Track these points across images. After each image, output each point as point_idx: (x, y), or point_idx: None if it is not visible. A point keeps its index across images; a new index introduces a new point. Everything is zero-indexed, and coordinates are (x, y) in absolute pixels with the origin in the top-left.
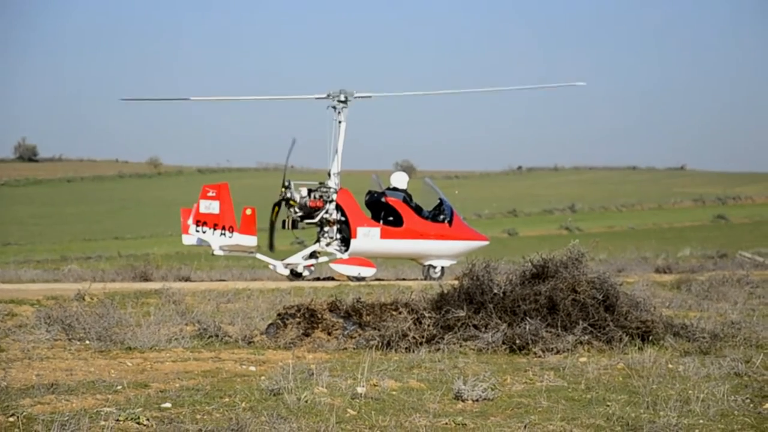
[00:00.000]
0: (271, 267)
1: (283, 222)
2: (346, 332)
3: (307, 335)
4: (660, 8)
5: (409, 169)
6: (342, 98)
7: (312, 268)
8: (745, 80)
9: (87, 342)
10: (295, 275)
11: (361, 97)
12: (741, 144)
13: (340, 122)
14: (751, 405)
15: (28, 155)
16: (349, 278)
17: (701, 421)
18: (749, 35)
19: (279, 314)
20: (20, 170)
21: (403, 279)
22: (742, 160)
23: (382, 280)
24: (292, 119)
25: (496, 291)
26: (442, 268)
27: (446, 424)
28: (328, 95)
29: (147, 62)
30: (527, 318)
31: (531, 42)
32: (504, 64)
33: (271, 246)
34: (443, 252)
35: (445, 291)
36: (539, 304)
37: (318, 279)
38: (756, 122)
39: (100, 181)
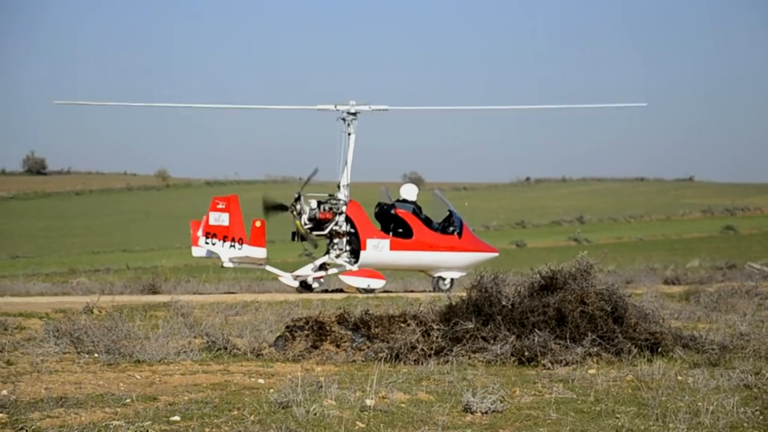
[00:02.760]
0: (280, 279)
1: (293, 234)
2: (354, 344)
3: (316, 347)
4: (666, 19)
5: (417, 181)
6: (352, 111)
7: (322, 280)
8: (753, 91)
9: (96, 355)
10: (305, 287)
11: (379, 109)
12: (749, 155)
13: (349, 134)
14: (761, 417)
15: (36, 168)
16: (359, 290)
17: None
18: (759, 45)
19: (287, 327)
20: (29, 183)
21: (412, 291)
22: (750, 170)
23: (391, 292)
24: (300, 132)
25: (504, 303)
26: (452, 279)
27: None
28: (338, 108)
29: (154, 73)
30: (536, 330)
31: (539, 52)
32: (514, 75)
33: (314, 245)
34: (453, 264)
35: (454, 303)
36: (548, 316)
37: (326, 291)
38: (764, 133)
39: (109, 193)
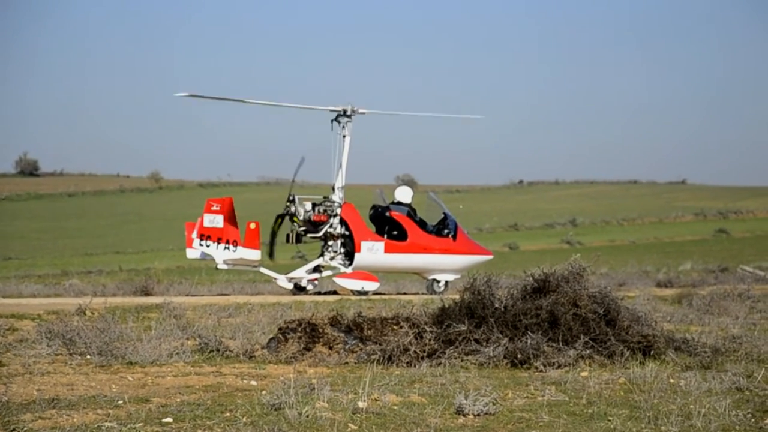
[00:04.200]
0: (275, 281)
1: (287, 236)
2: (347, 346)
3: (308, 350)
4: (662, 24)
5: (410, 183)
6: (348, 113)
7: (316, 282)
8: (746, 94)
9: (88, 357)
10: (299, 289)
11: (368, 113)
12: (742, 158)
13: (344, 137)
14: (753, 420)
15: (29, 170)
16: (353, 292)
17: None
18: (753, 50)
19: (280, 328)
20: (21, 185)
21: (404, 293)
22: (743, 174)
23: (383, 294)
24: (293, 134)
25: (497, 305)
26: (446, 282)
27: None
28: (341, 112)
29: (146, 74)
30: (528, 332)
31: (532, 55)
32: (506, 76)
33: (271, 254)
34: (447, 266)
35: (446, 305)
36: (540, 319)
37: (319, 293)
38: (757, 136)
39: (101, 195)
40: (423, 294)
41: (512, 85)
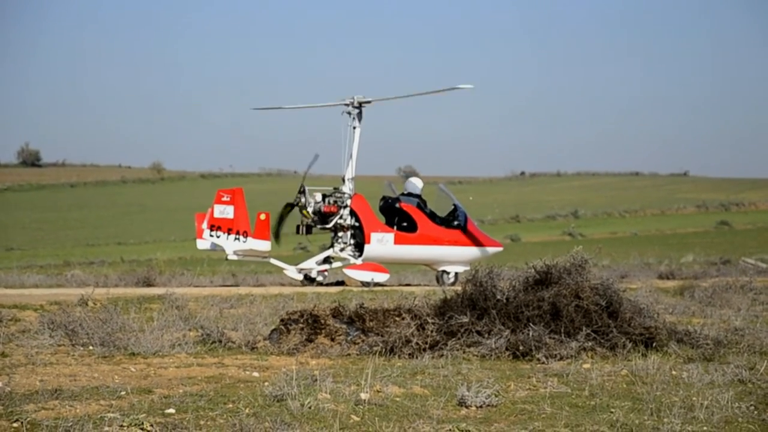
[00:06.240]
0: (285, 272)
1: (297, 227)
2: (349, 338)
3: (311, 341)
4: (661, 15)
5: (412, 175)
6: (356, 104)
7: (326, 273)
8: (748, 86)
9: (90, 347)
10: (309, 280)
11: (378, 100)
12: (744, 150)
13: (354, 128)
14: (755, 412)
15: (31, 160)
16: (362, 283)
17: (705, 428)
18: (754, 42)
19: (282, 320)
20: (23, 175)
21: (407, 284)
22: (745, 166)
23: (385, 285)
24: (294, 125)
25: (499, 297)
26: (456, 273)
27: (450, 430)
28: (348, 104)
29: (149, 64)
30: (530, 324)
31: (534, 46)
32: (507, 67)
33: (277, 236)
34: (457, 258)
35: (449, 297)
36: (542, 311)
37: (321, 284)
38: (759, 128)
39: (104, 186)
40: (425, 285)
41: (514, 76)
